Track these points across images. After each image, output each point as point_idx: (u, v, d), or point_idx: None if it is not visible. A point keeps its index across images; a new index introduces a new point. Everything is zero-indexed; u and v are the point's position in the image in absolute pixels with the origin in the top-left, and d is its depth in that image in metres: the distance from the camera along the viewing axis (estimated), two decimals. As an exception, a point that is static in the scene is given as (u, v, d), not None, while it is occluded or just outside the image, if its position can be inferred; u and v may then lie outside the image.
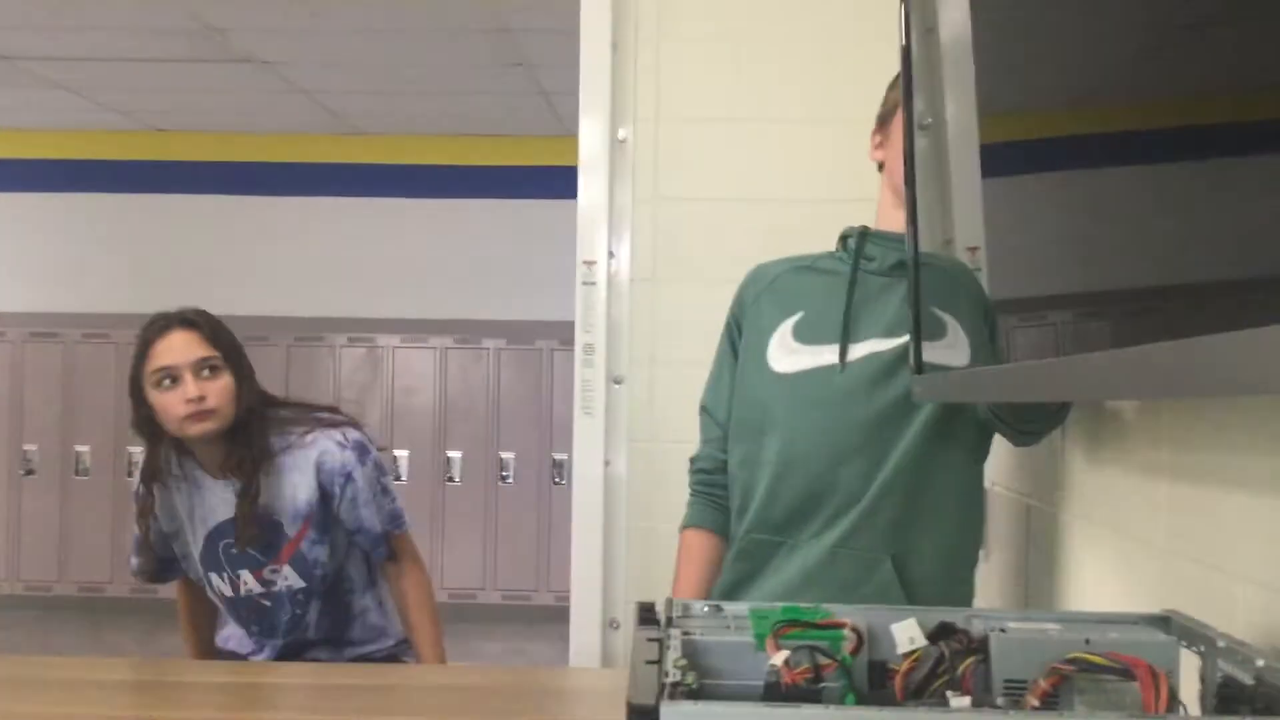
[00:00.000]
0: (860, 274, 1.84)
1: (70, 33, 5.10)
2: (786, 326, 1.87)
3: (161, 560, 2.36)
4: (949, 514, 1.77)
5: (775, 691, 0.93)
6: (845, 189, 2.86)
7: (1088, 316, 1.10)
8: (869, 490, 1.73)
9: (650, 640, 0.94)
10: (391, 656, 2.37)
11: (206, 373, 2.17)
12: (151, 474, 2.26)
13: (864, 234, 1.88)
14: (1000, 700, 1.01)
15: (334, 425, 2.31)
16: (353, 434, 2.30)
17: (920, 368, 1.58)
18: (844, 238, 1.94)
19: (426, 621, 2.31)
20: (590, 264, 2.90)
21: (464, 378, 6.90)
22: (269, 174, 6.95)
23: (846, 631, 1.03)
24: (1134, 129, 0.93)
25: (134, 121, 6.80)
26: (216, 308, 2.31)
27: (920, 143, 1.69)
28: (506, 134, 6.92)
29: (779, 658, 0.94)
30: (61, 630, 6.35)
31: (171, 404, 2.16)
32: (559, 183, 6.57)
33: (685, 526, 1.98)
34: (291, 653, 2.32)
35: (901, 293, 1.78)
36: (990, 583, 1.90)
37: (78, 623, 6.45)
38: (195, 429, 2.17)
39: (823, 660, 0.99)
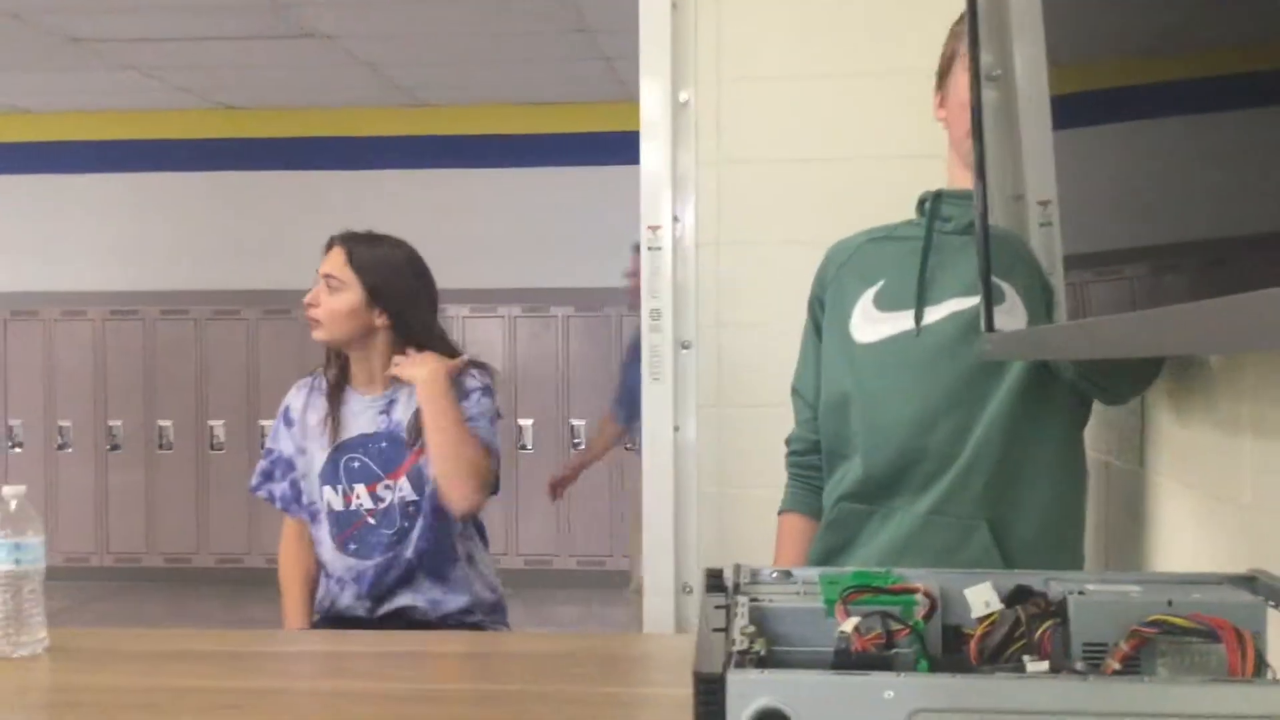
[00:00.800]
0: (937, 235, 1.80)
1: (141, 14, 5.18)
2: (868, 297, 1.83)
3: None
4: (1047, 479, 1.71)
5: (845, 658, 0.91)
6: (916, 144, 2.80)
7: (1164, 270, 1.07)
8: (961, 453, 1.69)
9: (717, 607, 0.93)
10: (477, 625, 2.40)
11: (329, 287, 2.42)
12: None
13: (938, 195, 1.84)
14: (1079, 664, 0.99)
15: (475, 364, 2.50)
16: (486, 376, 2.49)
17: (990, 325, 1.54)
18: (921, 202, 1.90)
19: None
20: (655, 229, 2.88)
21: (533, 346, 6.93)
22: (336, 148, 7.01)
23: (919, 596, 1.02)
24: (1210, 75, 0.89)
25: (205, 100, 6.90)
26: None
27: (988, 95, 1.64)
28: (569, 101, 6.90)
29: (849, 624, 0.93)
30: (150, 600, 6.53)
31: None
32: (623, 148, 6.54)
33: (782, 510, 1.97)
34: (385, 589, 2.37)
35: None
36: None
37: (165, 593, 6.62)
38: (312, 331, 2.44)
39: (895, 626, 0.98)
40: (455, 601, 2.40)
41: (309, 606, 2.49)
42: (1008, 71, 1.66)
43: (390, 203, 6.91)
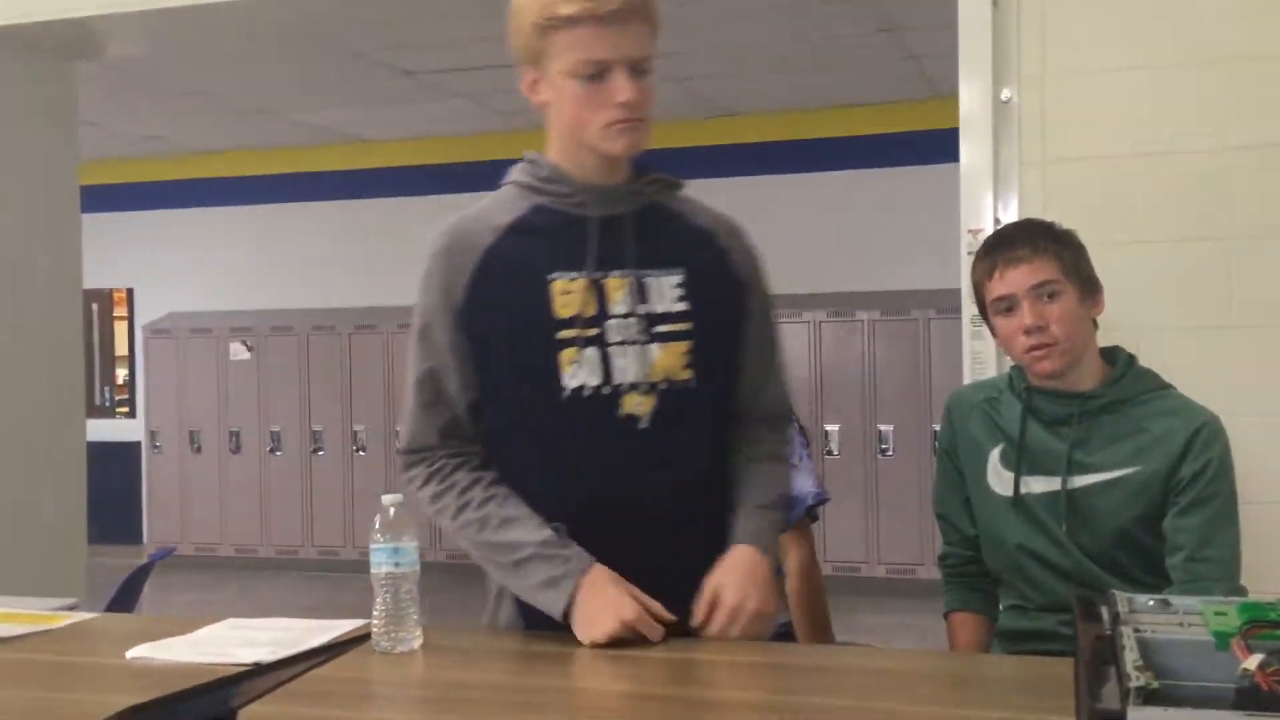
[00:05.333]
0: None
1: (467, 46, 5.52)
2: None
3: None
4: None
5: (1250, 697, 0.86)
6: (1255, 133, 2.61)
7: None
8: None
9: (1101, 638, 0.90)
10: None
11: None
12: None
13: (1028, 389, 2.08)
14: None
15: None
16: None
17: None
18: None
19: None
20: (976, 232, 2.80)
21: (839, 350, 6.88)
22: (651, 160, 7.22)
23: (1322, 633, 0.94)
24: None
25: (524, 123, 7.27)
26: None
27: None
28: (872, 102, 6.81)
29: (1252, 661, 0.87)
30: (480, 592, 6.92)
31: None
32: (929, 147, 6.41)
33: (949, 610, 2.18)
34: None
35: None
36: None
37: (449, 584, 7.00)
38: None
39: (1295, 663, 0.91)
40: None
41: None
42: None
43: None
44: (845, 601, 6.09)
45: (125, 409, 8.55)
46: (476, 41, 5.44)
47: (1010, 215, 2.77)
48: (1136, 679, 0.82)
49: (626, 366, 1.63)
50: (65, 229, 4.15)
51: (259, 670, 1.14)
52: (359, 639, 1.31)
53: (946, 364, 5.71)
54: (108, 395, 8.59)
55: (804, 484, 2.40)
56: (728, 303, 1.73)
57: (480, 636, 1.76)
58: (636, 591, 1.59)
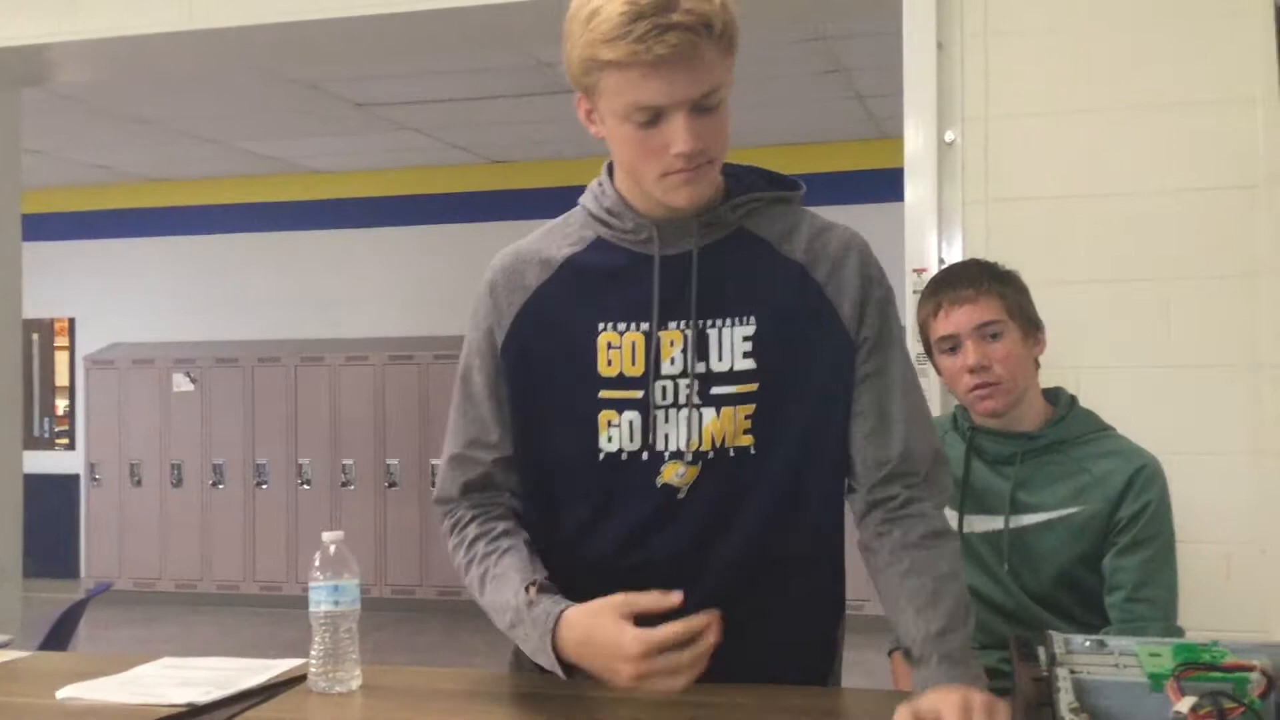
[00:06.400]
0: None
1: (418, 79, 5.52)
2: None
3: None
4: None
5: (1182, 740, 0.87)
6: (1194, 178, 2.67)
7: None
8: None
9: (1038, 679, 0.90)
10: None
11: None
12: None
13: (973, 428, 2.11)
14: None
15: None
16: None
17: None
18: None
19: None
20: (920, 272, 2.84)
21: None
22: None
23: (1254, 674, 0.95)
24: None
25: (477, 156, 7.28)
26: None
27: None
28: (821, 140, 6.89)
29: (1184, 704, 0.88)
30: (423, 630, 6.85)
31: None
32: (877, 186, 6.49)
33: (893, 649, 2.09)
34: None
35: None
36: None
37: (438, 623, 6.93)
38: None
39: (1228, 704, 0.92)
40: None
41: None
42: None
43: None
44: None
45: (65, 440, 8.39)
46: (429, 75, 5.45)
47: (954, 254, 2.80)
48: (1070, 721, 0.83)
49: (670, 433, 1.44)
50: (6, 257, 4.09)
51: (193, 711, 1.12)
52: (295, 680, 1.29)
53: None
54: (47, 426, 8.44)
55: None
56: (813, 349, 1.47)
57: (421, 676, 1.74)
58: (623, 603, 1.33)
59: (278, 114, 6.19)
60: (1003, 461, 2.05)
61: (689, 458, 1.44)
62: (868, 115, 6.27)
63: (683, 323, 1.44)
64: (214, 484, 7.69)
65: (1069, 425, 2.06)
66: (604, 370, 1.45)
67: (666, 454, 1.45)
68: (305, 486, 7.57)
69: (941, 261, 2.80)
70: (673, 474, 1.45)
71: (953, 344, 2.05)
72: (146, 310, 8.11)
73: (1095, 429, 2.07)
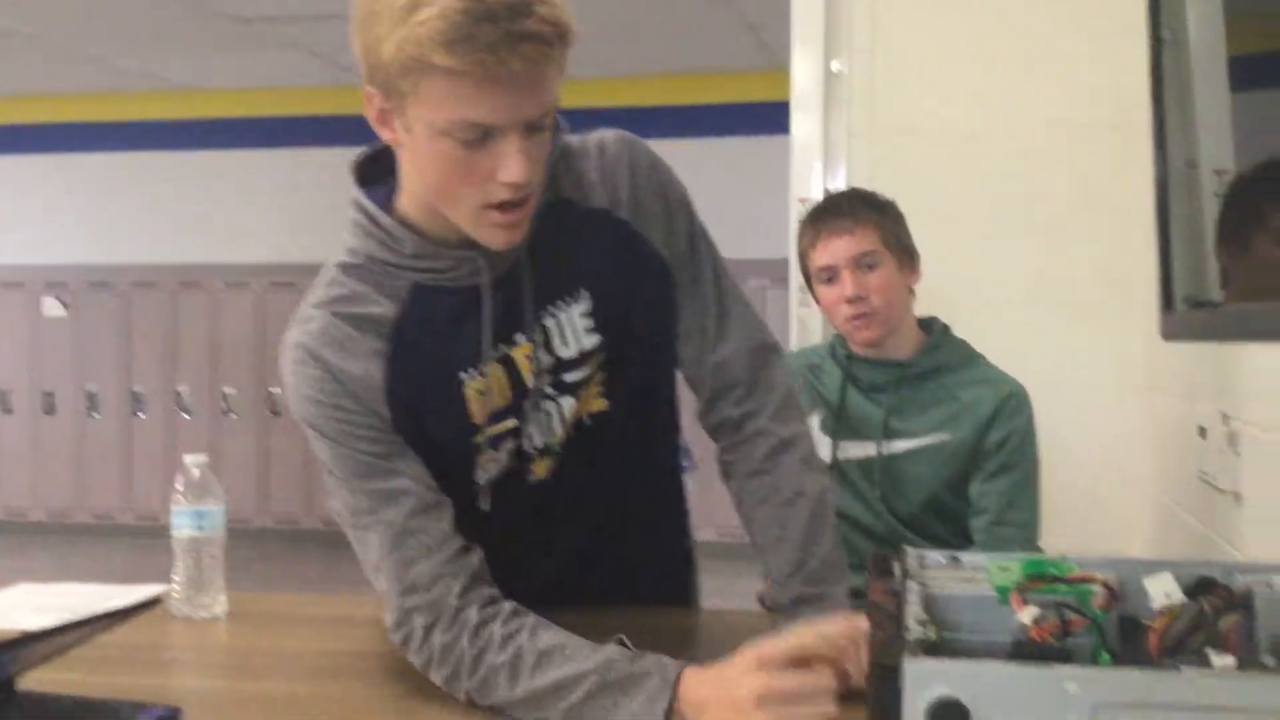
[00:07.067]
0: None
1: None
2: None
3: None
4: None
5: (1024, 649, 0.89)
6: (1084, 111, 2.71)
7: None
8: None
9: (888, 593, 0.92)
10: None
11: None
12: None
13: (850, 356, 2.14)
14: (1269, 659, 0.95)
15: None
16: None
17: (1169, 303, 1.49)
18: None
19: None
20: (805, 201, 2.85)
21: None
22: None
23: (1096, 587, 0.98)
24: None
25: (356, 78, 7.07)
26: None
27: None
28: (712, 72, 6.85)
29: (1027, 615, 0.91)
30: (306, 560, 6.79)
31: None
32: (769, 118, 6.49)
33: (767, 573, 2.11)
34: None
35: None
36: (1247, 533, 1.79)
37: (322, 554, 6.87)
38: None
39: (1071, 616, 0.95)
40: None
41: None
42: (1179, 32, 1.60)
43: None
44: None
45: (-73, 367, 8.05)
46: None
47: (839, 185, 2.82)
48: (916, 631, 0.84)
49: (534, 432, 1.35)
50: None
51: (38, 636, 1.09)
52: (151, 603, 1.26)
53: (778, 333, 5.79)
54: (-93, 352, 8.07)
55: None
56: (643, 291, 1.39)
57: (289, 602, 1.72)
58: (755, 661, 1.10)
59: (158, 28, 5.93)
60: (877, 389, 2.08)
61: (556, 449, 1.37)
62: (760, 45, 6.25)
63: (526, 334, 1.32)
64: (89, 411, 7.46)
65: (941, 353, 2.10)
66: (477, 417, 1.33)
67: (533, 456, 1.37)
68: (185, 415, 7.39)
69: (827, 192, 2.81)
70: (543, 470, 1.38)
71: (830, 274, 2.07)
72: (15, 231, 7.76)
73: (966, 357, 2.11)
